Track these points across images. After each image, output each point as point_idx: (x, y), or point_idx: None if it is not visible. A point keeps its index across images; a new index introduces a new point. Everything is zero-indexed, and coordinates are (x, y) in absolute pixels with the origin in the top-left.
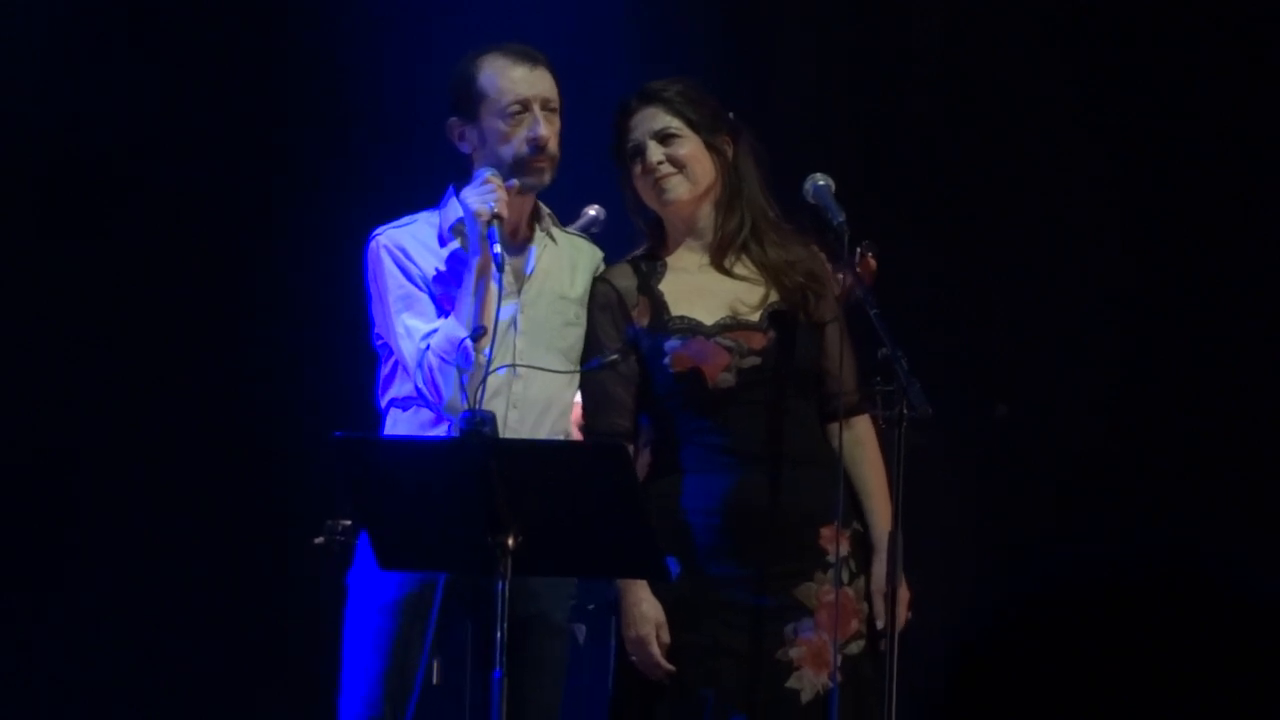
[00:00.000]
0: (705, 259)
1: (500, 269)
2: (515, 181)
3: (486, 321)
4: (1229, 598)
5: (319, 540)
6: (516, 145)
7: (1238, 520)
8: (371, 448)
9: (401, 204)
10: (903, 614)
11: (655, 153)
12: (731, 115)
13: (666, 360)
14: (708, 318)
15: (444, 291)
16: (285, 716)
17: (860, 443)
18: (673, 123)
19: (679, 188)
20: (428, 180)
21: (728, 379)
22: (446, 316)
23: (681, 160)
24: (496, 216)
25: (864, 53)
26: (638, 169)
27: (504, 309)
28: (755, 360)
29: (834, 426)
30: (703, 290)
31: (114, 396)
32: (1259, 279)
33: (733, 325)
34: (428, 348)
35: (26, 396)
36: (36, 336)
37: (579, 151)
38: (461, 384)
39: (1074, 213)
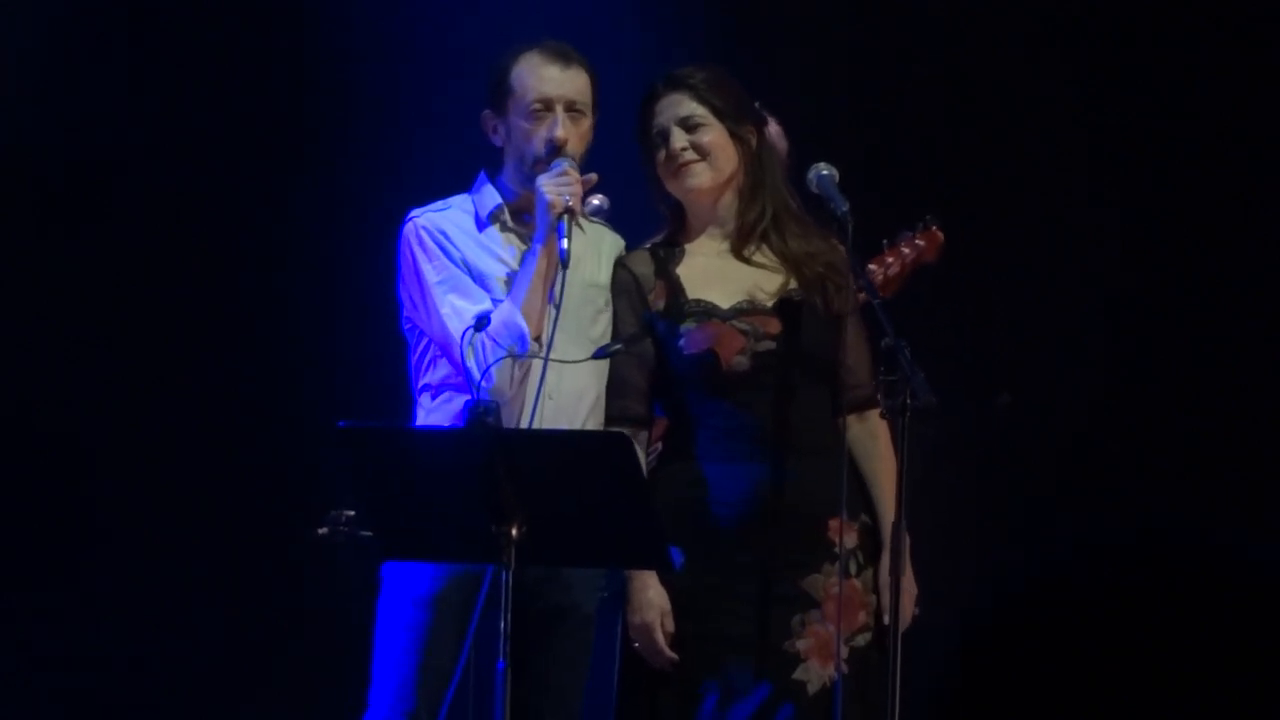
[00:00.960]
0: (725, 246)
1: (565, 265)
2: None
3: (541, 308)
4: (1231, 589)
5: (322, 531)
6: (536, 144)
7: (1239, 512)
8: (375, 438)
9: (408, 197)
10: (909, 608)
11: (679, 139)
12: (757, 105)
13: (682, 342)
14: (724, 301)
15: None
16: (292, 707)
17: (873, 436)
18: (698, 110)
19: (702, 175)
20: (429, 176)
21: (742, 362)
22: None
23: (705, 148)
24: (569, 210)
25: (864, 53)
26: (661, 155)
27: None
28: (770, 344)
29: (848, 419)
30: (721, 275)
31: (118, 391)
32: (1257, 276)
33: (749, 309)
34: (480, 328)
35: (31, 393)
36: (39, 334)
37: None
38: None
39: (1073, 212)
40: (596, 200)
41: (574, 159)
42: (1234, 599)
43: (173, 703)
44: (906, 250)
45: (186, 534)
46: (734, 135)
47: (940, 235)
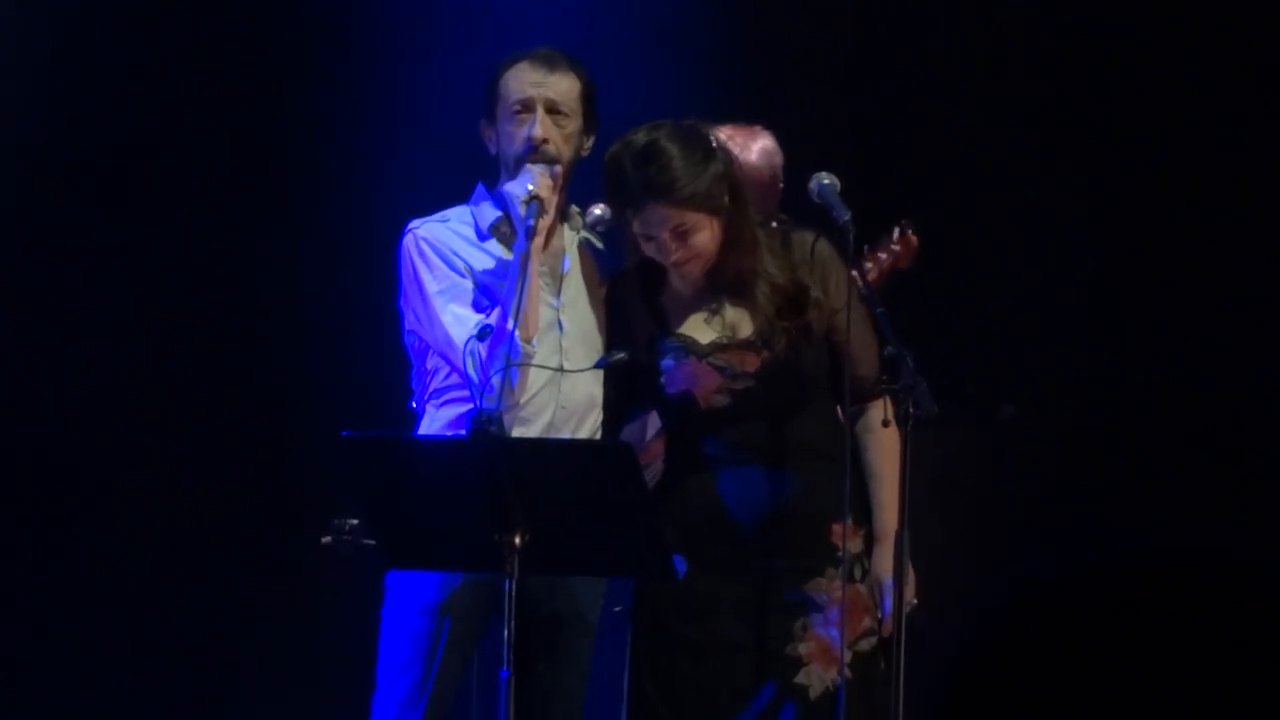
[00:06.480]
0: (704, 281)
1: (529, 237)
2: (559, 167)
3: (532, 310)
4: (1234, 595)
5: (327, 540)
6: (518, 144)
7: (1243, 518)
8: (379, 447)
9: (416, 205)
10: (909, 596)
11: (673, 247)
12: (716, 145)
13: (662, 379)
14: (704, 335)
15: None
16: (297, 717)
17: (871, 428)
18: (688, 217)
19: (698, 267)
20: (444, 179)
21: (721, 399)
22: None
23: (699, 248)
24: (535, 197)
25: (864, 53)
26: (649, 247)
27: (545, 309)
28: (748, 382)
29: (851, 413)
30: (701, 308)
31: (120, 402)
32: (1261, 280)
33: (727, 344)
34: (483, 338)
35: (34, 398)
36: (42, 340)
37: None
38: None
39: (1074, 212)
40: (599, 210)
41: (556, 161)
42: (1239, 604)
43: (176, 713)
44: (883, 256)
45: (190, 542)
46: (715, 213)
47: (915, 240)
